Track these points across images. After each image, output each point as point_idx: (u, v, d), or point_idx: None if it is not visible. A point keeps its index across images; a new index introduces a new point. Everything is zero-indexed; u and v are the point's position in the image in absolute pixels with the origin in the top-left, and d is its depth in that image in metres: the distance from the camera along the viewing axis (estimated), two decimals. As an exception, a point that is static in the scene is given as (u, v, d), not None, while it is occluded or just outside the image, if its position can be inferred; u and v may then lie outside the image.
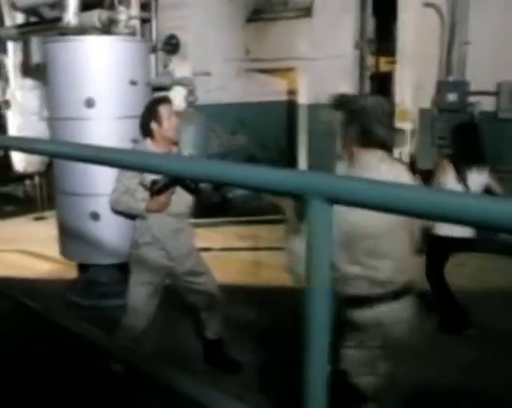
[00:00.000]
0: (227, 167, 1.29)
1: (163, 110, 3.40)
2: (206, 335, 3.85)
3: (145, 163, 1.57)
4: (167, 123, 3.39)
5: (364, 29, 6.92)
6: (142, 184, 3.39)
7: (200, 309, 3.78)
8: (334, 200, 0.98)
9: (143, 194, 3.40)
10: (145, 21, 7.24)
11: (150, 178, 3.36)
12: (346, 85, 7.07)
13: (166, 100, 3.50)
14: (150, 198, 3.38)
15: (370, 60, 7.18)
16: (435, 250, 4.10)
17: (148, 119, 3.41)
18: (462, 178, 4.03)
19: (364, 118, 2.35)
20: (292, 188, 1.05)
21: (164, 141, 3.43)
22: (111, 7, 5.24)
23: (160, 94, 4.14)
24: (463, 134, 4.18)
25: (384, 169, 2.30)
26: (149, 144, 3.45)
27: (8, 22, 7.93)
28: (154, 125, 3.39)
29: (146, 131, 3.45)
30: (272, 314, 4.62)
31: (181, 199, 3.48)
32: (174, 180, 3.26)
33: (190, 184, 3.45)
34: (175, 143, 3.50)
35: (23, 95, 8.04)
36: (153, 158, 1.67)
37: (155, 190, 3.28)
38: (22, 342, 4.19)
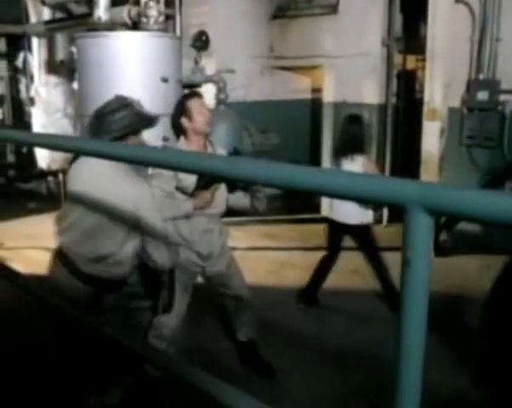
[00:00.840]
0: (319, 173, 1.19)
1: (192, 103, 3.35)
2: (237, 336, 3.83)
3: (173, 161, 1.52)
4: (197, 117, 3.34)
5: (391, 26, 6.82)
6: (178, 187, 3.34)
7: (231, 310, 3.77)
8: (435, 210, 0.93)
9: (182, 197, 3.36)
10: (168, 18, 7.22)
11: (186, 182, 3.31)
12: (372, 83, 6.99)
13: (195, 95, 3.46)
14: (192, 196, 3.32)
15: (397, 58, 7.08)
16: (330, 232, 4.60)
17: (178, 116, 3.37)
18: (337, 165, 4.45)
19: None
20: (390, 197, 1.00)
21: (197, 137, 3.37)
22: (137, 3, 5.22)
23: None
24: (346, 126, 4.54)
25: None
26: (182, 143, 3.40)
27: (32, 18, 7.96)
28: (184, 120, 3.34)
29: (178, 129, 3.41)
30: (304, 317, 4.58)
31: (218, 198, 3.43)
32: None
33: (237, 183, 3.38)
34: (205, 139, 3.45)
35: (47, 92, 8.06)
36: (188, 156, 1.59)
37: (201, 185, 3.22)
38: (47, 341, 4.17)
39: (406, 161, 7.16)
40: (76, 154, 3.98)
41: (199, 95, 3.45)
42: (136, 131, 2.75)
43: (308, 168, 1.14)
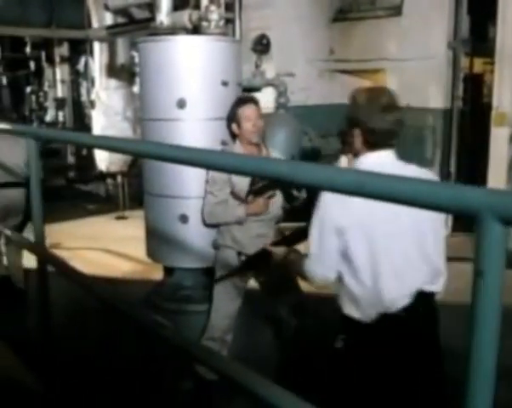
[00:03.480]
0: (387, 180, 1.14)
1: (242, 110, 3.30)
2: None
3: (237, 165, 1.51)
4: (245, 124, 3.31)
5: (458, 27, 6.56)
6: (232, 193, 3.32)
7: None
8: (510, 220, 0.90)
9: (235, 202, 3.33)
10: (228, 21, 7.20)
11: (240, 186, 3.28)
12: (437, 87, 6.73)
13: (247, 101, 3.41)
14: (246, 202, 3.28)
15: (463, 61, 6.81)
16: None
17: (229, 121, 3.40)
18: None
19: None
20: (460, 205, 0.97)
21: (247, 143, 3.31)
22: (197, 6, 5.20)
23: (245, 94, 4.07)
24: None
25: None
26: (236, 147, 3.38)
27: (95, 23, 8.12)
28: (234, 126, 3.34)
29: (230, 133, 3.44)
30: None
31: (273, 203, 3.38)
32: (275, 182, 3.12)
33: (290, 189, 3.30)
34: (258, 145, 3.40)
35: (108, 95, 8.20)
36: (249, 160, 1.64)
37: (254, 191, 3.16)
38: (107, 342, 4.20)
39: (473, 168, 6.86)
40: (136, 156, 4.07)
41: (252, 101, 3.41)
42: None
43: (375, 174, 1.11)
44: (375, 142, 2.22)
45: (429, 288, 2.28)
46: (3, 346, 3.59)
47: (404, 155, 7.23)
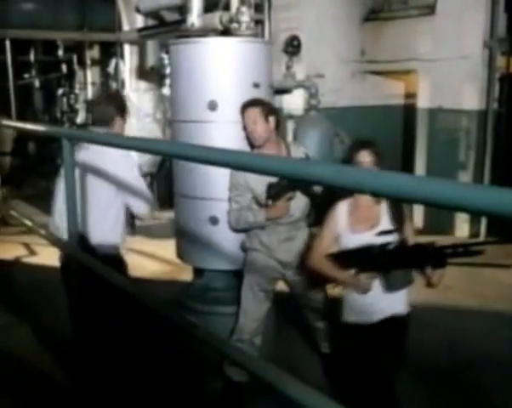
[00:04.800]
0: (433, 183, 1.10)
1: (245, 113, 3.33)
2: (320, 348, 3.75)
3: (266, 167, 1.50)
4: (249, 127, 3.31)
5: (494, 26, 6.39)
6: (254, 198, 3.30)
7: (310, 321, 3.69)
8: None
9: (257, 207, 3.30)
10: (257, 23, 7.19)
11: (258, 190, 3.27)
12: (472, 88, 6.58)
13: (249, 104, 3.39)
14: (266, 206, 3.27)
15: (500, 61, 6.62)
16: None
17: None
18: None
19: None
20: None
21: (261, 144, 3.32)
22: (226, 8, 5.19)
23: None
24: None
25: None
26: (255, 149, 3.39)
27: (125, 26, 8.20)
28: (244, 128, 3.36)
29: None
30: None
31: (294, 205, 3.33)
32: (293, 184, 3.09)
33: (311, 189, 3.26)
34: (259, 146, 3.36)
35: (137, 97, 8.26)
36: (275, 162, 1.57)
37: (272, 195, 3.13)
38: (138, 341, 4.21)
39: (509, 171, 6.68)
40: (166, 157, 4.12)
41: (250, 104, 3.38)
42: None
43: (420, 178, 1.10)
44: None
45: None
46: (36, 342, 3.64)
47: (437, 158, 7.16)
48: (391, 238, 2.70)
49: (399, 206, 2.84)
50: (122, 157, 3.07)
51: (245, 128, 3.35)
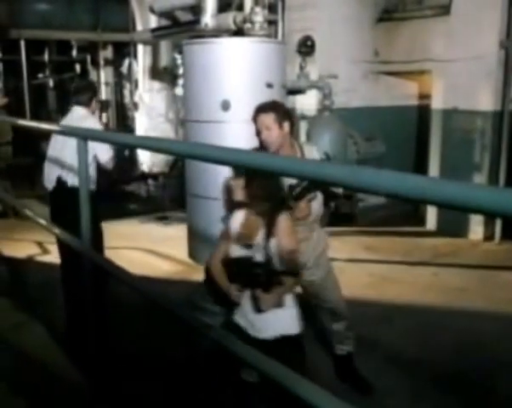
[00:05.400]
0: (454, 186, 1.09)
1: (255, 121, 3.17)
2: (334, 350, 3.70)
3: (280, 167, 1.50)
4: (263, 133, 3.18)
5: (511, 26, 6.30)
6: None
7: (325, 323, 3.64)
8: None
9: None
10: (270, 23, 7.17)
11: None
12: (487, 89, 6.51)
13: (262, 110, 3.29)
14: (288, 208, 3.23)
15: (516, 61, 6.54)
16: None
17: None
18: None
19: None
20: None
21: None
22: (240, 8, 5.18)
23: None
24: None
25: None
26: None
27: (139, 26, 8.22)
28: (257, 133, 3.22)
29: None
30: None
31: (312, 205, 3.31)
32: (314, 184, 3.04)
33: (331, 190, 3.23)
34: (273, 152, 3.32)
35: (150, 97, 8.29)
36: (290, 162, 1.58)
37: (294, 196, 3.10)
38: (151, 340, 4.21)
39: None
40: (177, 157, 4.18)
41: (264, 109, 3.28)
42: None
43: (435, 179, 1.16)
44: None
45: None
46: (48, 340, 3.65)
47: (451, 159, 7.09)
48: (260, 252, 2.69)
49: (273, 219, 2.78)
50: (92, 125, 3.95)
51: (258, 133, 3.18)
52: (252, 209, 2.81)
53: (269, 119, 3.13)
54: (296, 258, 2.82)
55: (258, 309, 2.67)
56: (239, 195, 2.95)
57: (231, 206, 3.08)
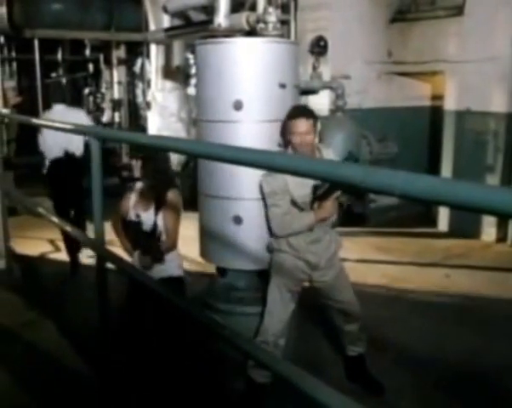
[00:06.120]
0: (469, 188, 1.09)
1: (292, 124, 3.29)
2: (345, 350, 3.72)
3: (307, 169, 1.48)
4: (295, 139, 3.27)
5: (525, 27, 6.27)
6: (292, 201, 3.29)
7: (338, 324, 3.67)
8: None
9: (297, 211, 3.29)
10: (283, 23, 7.17)
11: (296, 193, 3.25)
12: (500, 90, 6.47)
13: (298, 115, 3.36)
14: (312, 207, 3.25)
15: (531, 62, 6.48)
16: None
17: (283, 128, 3.44)
18: None
19: None
20: None
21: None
22: (253, 8, 5.18)
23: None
24: None
25: None
26: (289, 151, 3.36)
27: (152, 26, 8.25)
28: (288, 136, 3.34)
29: (283, 140, 3.47)
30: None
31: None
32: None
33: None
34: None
35: (163, 97, 8.31)
36: (303, 162, 1.59)
37: (318, 196, 3.13)
38: (159, 338, 4.23)
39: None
40: (189, 157, 4.36)
41: (303, 115, 3.34)
42: None
43: (449, 180, 1.14)
44: None
45: None
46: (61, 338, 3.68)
47: (463, 160, 7.07)
48: (150, 221, 3.59)
49: (161, 197, 3.60)
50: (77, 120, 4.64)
51: (288, 135, 3.33)
52: (145, 184, 3.66)
53: (309, 124, 3.26)
54: (174, 233, 3.74)
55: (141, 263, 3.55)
56: (137, 172, 3.73)
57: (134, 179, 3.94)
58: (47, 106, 11.55)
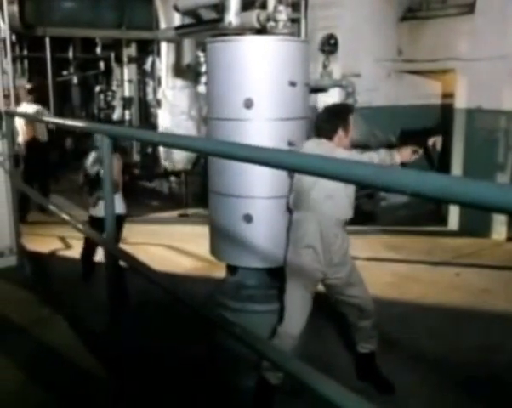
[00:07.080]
0: (480, 186, 1.09)
1: (352, 119, 3.42)
2: (356, 348, 3.72)
3: (316, 167, 1.53)
4: (350, 133, 3.40)
5: (537, 25, 6.22)
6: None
7: (351, 321, 3.65)
8: None
9: None
10: (293, 21, 7.16)
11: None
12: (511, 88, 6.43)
13: (352, 110, 3.50)
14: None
15: (542, 61, 6.44)
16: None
17: (337, 122, 3.44)
18: None
19: None
20: None
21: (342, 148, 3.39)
22: (263, 6, 5.18)
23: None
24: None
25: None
26: (334, 146, 3.41)
27: (162, 24, 8.27)
28: (341, 131, 3.40)
29: (327, 132, 3.45)
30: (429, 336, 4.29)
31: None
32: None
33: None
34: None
35: (173, 95, 8.32)
36: (313, 160, 1.60)
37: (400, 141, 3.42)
38: (170, 336, 4.26)
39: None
40: (199, 155, 4.34)
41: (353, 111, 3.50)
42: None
43: (461, 179, 1.08)
44: None
45: None
46: (72, 335, 3.71)
47: (474, 159, 7.04)
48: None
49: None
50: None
51: (345, 129, 3.44)
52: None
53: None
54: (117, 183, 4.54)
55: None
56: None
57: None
58: (59, 105, 11.66)
